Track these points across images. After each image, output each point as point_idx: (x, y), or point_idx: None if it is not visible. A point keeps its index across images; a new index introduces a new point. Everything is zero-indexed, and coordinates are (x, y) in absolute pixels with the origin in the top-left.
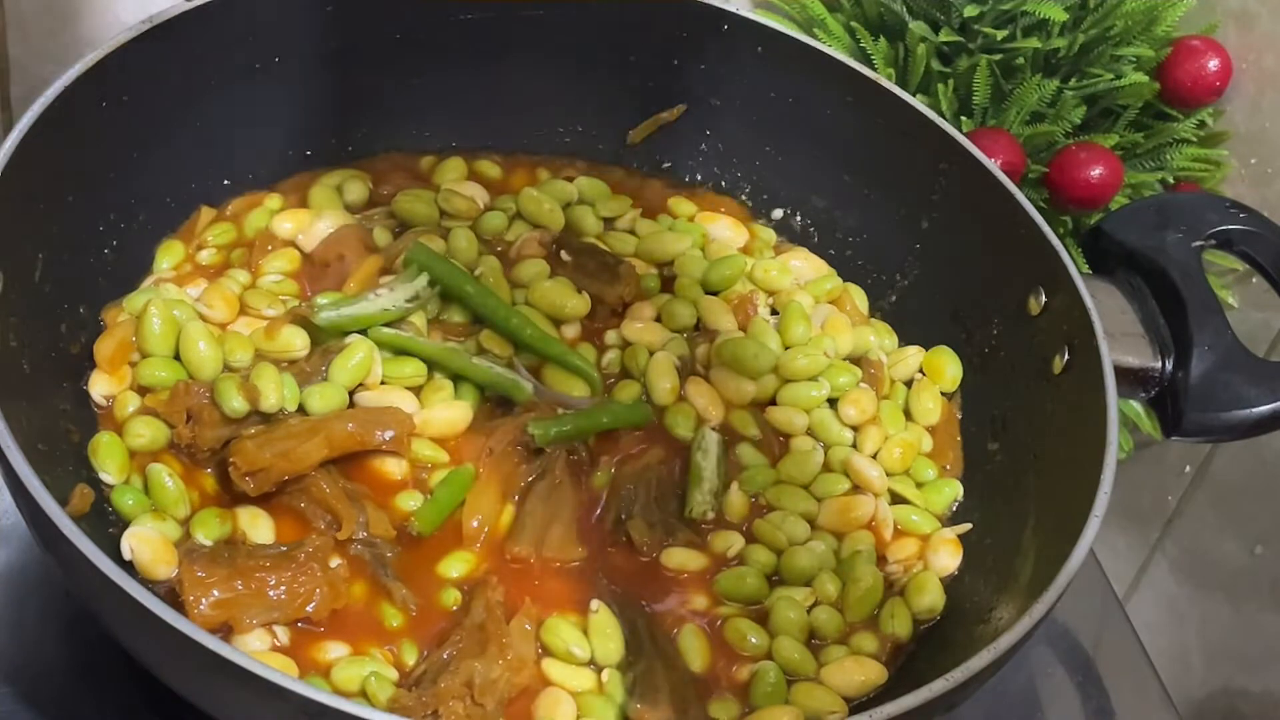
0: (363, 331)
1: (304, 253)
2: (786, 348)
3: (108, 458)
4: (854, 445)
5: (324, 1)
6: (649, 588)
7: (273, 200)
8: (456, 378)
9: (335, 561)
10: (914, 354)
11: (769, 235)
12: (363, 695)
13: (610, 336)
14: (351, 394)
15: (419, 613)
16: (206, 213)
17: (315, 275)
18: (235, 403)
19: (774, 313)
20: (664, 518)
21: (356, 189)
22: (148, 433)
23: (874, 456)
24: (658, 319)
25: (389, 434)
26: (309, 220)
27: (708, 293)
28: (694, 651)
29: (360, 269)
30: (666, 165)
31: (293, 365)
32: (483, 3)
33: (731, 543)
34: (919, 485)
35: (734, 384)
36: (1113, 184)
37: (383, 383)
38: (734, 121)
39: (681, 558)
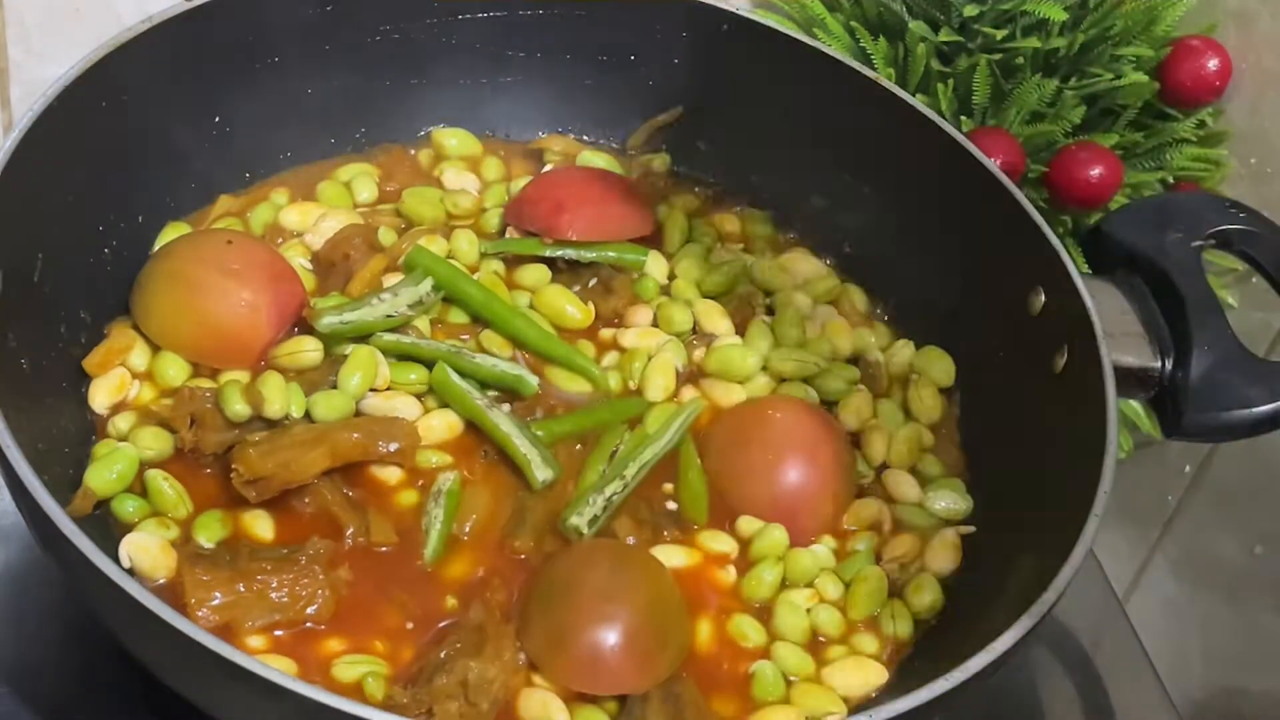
0: (365, 337)
1: (310, 252)
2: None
3: (106, 469)
4: (857, 444)
5: (324, 1)
6: None
7: (279, 194)
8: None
9: (337, 565)
10: (902, 346)
11: (768, 233)
12: (359, 693)
13: (605, 334)
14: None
15: (419, 612)
16: (222, 202)
17: (321, 275)
18: (238, 407)
19: (770, 313)
20: (652, 516)
21: (367, 185)
22: (155, 445)
23: (882, 458)
24: (655, 324)
25: (394, 446)
26: (315, 214)
27: (706, 295)
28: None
29: (364, 269)
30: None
31: (300, 373)
32: (483, 3)
33: (720, 541)
34: (922, 484)
35: (724, 389)
36: (1112, 184)
37: (388, 387)
38: (734, 121)
39: (668, 555)
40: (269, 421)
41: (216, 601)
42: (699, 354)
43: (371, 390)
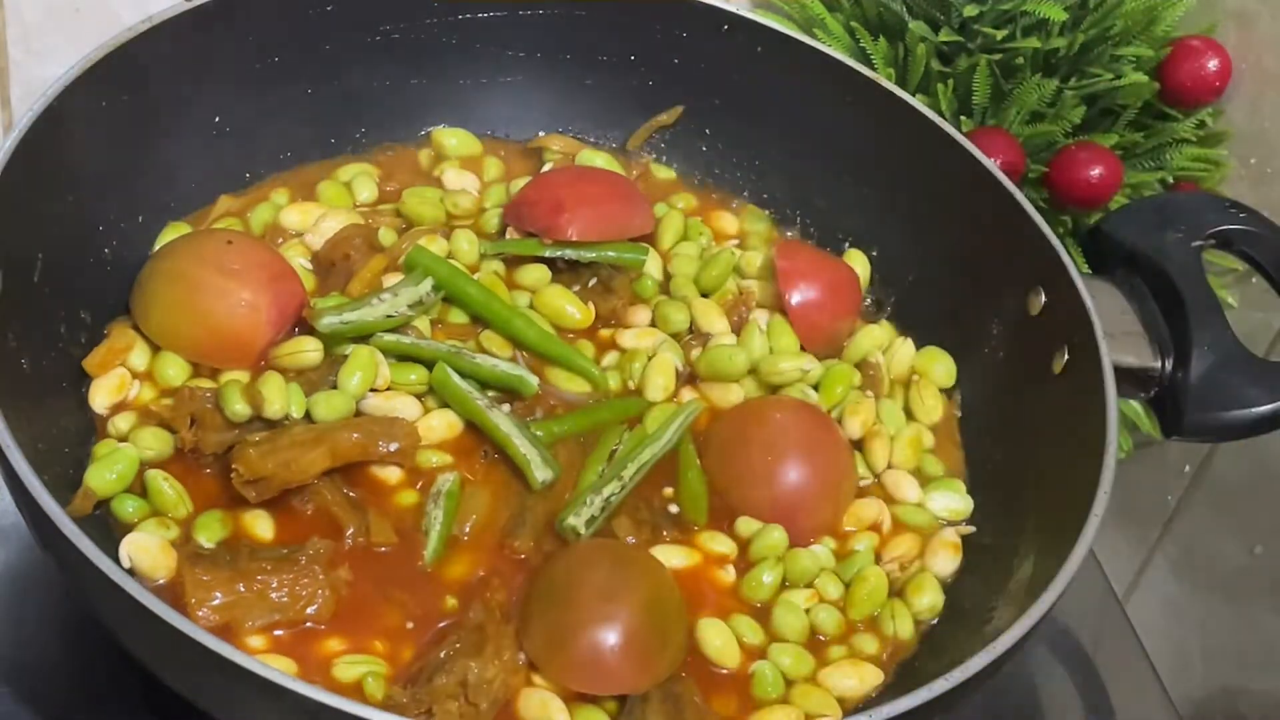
0: (365, 337)
1: (311, 252)
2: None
3: (106, 469)
4: (859, 450)
5: (324, 1)
6: None
7: (279, 194)
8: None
9: (337, 565)
10: (901, 345)
11: (765, 231)
12: (359, 692)
13: (604, 333)
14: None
15: (419, 613)
16: (222, 203)
17: (321, 274)
18: (238, 407)
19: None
20: (651, 516)
21: (367, 185)
22: (155, 445)
23: (885, 464)
24: (653, 324)
25: (393, 446)
26: (315, 214)
27: (702, 294)
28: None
29: (364, 269)
30: (666, 163)
31: (300, 373)
32: (483, 3)
33: (720, 542)
34: (922, 484)
35: (719, 390)
36: (1112, 184)
37: (388, 388)
38: (734, 121)
39: (668, 555)
40: (269, 422)
41: (216, 601)
42: (696, 353)
43: (371, 390)
